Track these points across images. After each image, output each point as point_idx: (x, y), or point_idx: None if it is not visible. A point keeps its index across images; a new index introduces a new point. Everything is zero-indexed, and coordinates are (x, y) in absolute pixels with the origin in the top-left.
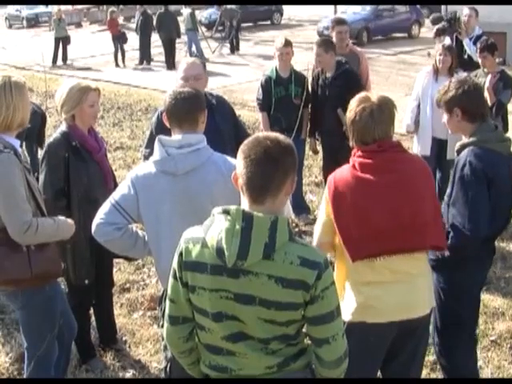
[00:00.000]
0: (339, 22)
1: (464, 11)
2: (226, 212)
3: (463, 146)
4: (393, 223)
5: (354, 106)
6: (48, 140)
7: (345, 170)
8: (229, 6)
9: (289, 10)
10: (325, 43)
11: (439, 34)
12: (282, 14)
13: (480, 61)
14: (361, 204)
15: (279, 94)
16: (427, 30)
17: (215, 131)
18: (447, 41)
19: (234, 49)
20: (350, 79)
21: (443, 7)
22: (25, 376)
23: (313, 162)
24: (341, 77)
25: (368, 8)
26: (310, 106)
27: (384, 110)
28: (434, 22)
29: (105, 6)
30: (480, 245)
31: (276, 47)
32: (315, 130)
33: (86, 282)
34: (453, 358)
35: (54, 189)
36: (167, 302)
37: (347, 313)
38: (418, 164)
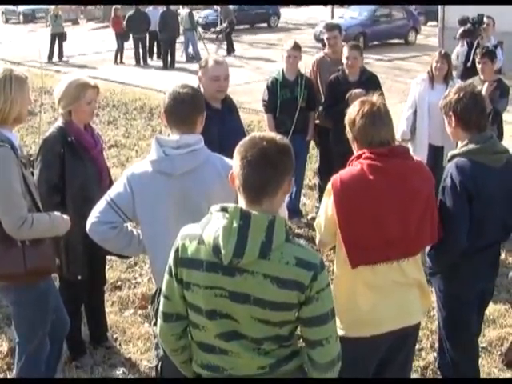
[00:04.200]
0: (329, 28)
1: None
2: (224, 210)
3: (452, 157)
4: (402, 232)
5: (356, 108)
6: (44, 135)
7: (352, 172)
8: (228, 6)
9: (286, 14)
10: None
11: (464, 35)
12: (279, 17)
13: (480, 67)
14: (373, 211)
15: (284, 96)
16: (424, 37)
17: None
18: (463, 45)
19: (230, 50)
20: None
21: (440, 15)
22: (15, 371)
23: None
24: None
25: (365, 13)
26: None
27: (385, 111)
28: (461, 23)
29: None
30: (472, 255)
31: (285, 49)
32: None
33: (79, 277)
34: (455, 365)
35: (49, 184)
36: (161, 298)
37: (343, 327)
38: (424, 173)
